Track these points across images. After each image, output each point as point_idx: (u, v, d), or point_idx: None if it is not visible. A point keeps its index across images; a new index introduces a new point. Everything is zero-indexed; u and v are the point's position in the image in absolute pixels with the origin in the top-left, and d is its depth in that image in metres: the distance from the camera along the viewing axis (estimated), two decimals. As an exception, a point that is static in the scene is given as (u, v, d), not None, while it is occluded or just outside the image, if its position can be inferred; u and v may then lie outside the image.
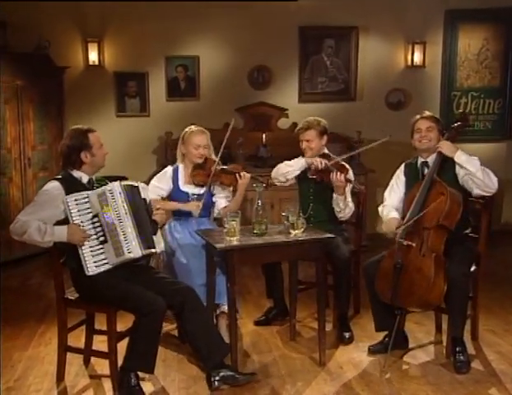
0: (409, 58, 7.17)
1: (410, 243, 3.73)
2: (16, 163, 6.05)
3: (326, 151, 4.43)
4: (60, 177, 3.52)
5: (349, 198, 4.23)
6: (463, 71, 7.35)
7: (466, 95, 7.38)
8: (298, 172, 4.40)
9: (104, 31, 6.80)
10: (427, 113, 4.04)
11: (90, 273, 3.37)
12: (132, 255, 3.40)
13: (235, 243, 3.56)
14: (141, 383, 3.47)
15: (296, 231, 3.74)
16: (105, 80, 6.88)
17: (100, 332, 3.75)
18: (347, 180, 4.10)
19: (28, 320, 4.62)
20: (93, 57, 6.74)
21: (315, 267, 3.78)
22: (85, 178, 3.54)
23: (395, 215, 4.01)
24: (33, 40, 6.36)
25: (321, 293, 3.82)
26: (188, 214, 4.24)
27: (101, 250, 3.41)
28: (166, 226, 4.27)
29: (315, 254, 3.74)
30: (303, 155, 4.42)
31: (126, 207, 3.44)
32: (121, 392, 3.39)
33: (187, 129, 4.31)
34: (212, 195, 4.31)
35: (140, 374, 3.48)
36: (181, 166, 4.35)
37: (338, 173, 4.11)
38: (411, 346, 4.06)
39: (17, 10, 6.35)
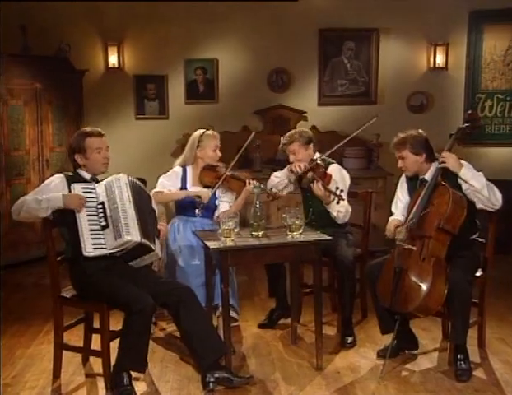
0: (431, 60, 7.02)
1: (410, 246, 3.66)
2: (35, 164, 6.16)
3: (316, 156, 4.36)
4: (66, 172, 3.69)
5: (344, 200, 4.07)
6: (488, 73, 7.15)
7: (491, 97, 7.18)
8: (286, 181, 4.46)
9: (124, 35, 6.88)
10: (395, 139, 3.86)
11: (87, 254, 3.41)
12: (129, 238, 3.44)
13: (230, 244, 3.53)
14: (135, 382, 3.48)
15: (294, 233, 3.69)
16: (125, 83, 6.95)
17: (97, 331, 3.75)
18: (327, 190, 3.97)
19: (36, 318, 4.67)
20: (113, 60, 6.82)
21: (312, 269, 3.73)
22: (87, 177, 3.63)
23: (399, 218, 3.95)
24: (54, 44, 6.48)
25: (318, 296, 3.75)
26: (192, 213, 4.26)
27: (101, 235, 3.47)
28: (169, 226, 4.29)
29: (312, 256, 3.69)
30: None
31: (130, 197, 3.54)
32: (113, 391, 3.40)
33: (199, 133, 4.37)
34: (216, 198, 4.32)
35: (136, 373, 3.50)
36: (189, 167, 4.40)
37: (315, 182, 4.05)
38: (414, 352, 3.96)
39: (38, 14, 6.50)
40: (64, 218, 3.47)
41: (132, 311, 3.31)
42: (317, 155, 4.40)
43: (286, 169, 4.49)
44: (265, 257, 3.73)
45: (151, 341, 4.13)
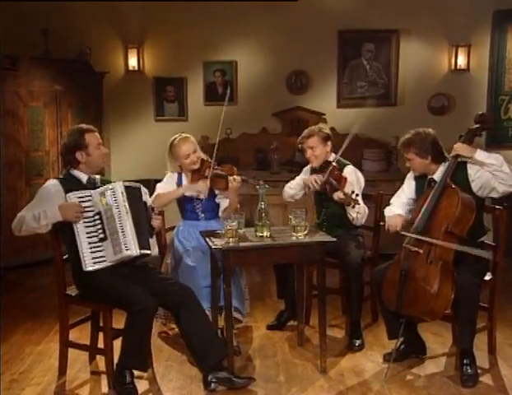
0: (453, 61, 6.91)
1: (417, 249, 3.60)
2: (54, 165, 6.26)
3: (331, 157, 4.34)
4: (60, 176, 3.66)
5: (360, 204, 4.04)
6: (513, 74, 7.03)
7: (515, 99, 7.05)
8: (302, 193, 4.47)
9: (144, 37, 6.96)
10: (402, 139, 3.83)
11: (88, 269, 3.42)
12: (129, 253, 3.43)
13: (232, 244, 3.53)
14: (138, 380, 3.53)
15: (298, 234, 3.67)
16: (145, 85, 7.03)
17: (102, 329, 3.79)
18: (344, 194, 3.93)
19: (49, 316, 4.72)
20: (133, 62, 6.91)
21: (316, 270, 3.71)
22: (84, 178, 3.59)
23: (399, 211, 3.91)
24: (75, 47, 6.59)
25: (322, 297, 3.71)
26: (195, 217, 4.26)
27: (100, 247, 3.46)
28: (174, 231, 4.30)
29: (316, 257, 3.67)
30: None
31: (127, 207, 3.48)
32: (116, 389, 3.43)
33: (170, 141, 4.29)
34: (215, 196, 4.28)
35: (139, 372, 3.53)
36: (183, 173, 4.33)
37: (336, 191, 4.02)
38: (422, 357, 3.91)
39: (60, 18, 6.62)
40: (63, 226, 3.46)
41: (133, 311, 3.34)
42: (332, 156, 4.38)
43: (300, 181, 4.48)
44: (269, 258, 3.71)
45: (158, 340, 4.22)
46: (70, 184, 3.51)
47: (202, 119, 7.00)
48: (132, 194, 3.58)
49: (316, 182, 4.21)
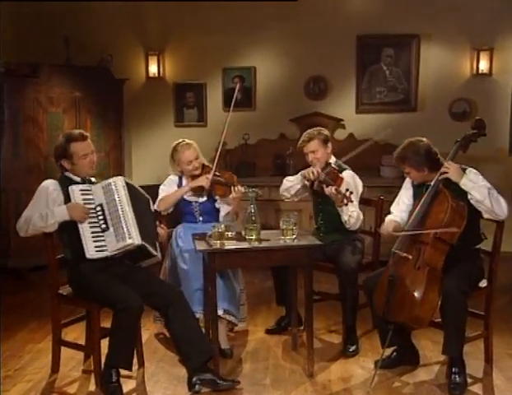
0: (474, 65, 6.77)
1: (406, 255, 3.55)
2: (72, 169, 6.40)
3: (332, 160, 4.31)
4: (57, 177, 3.73)
5: (352, 208, 4.03)
6: (539, 79, 6.84)
7: (541, 105, 6.86)
8: (298, 186, 4.40)
9: (165, 45, 7.07)
10: (395, 154, 3.75)
11: (89, 256, 3.49)
12: (131, 241, 3.51)
13: (217, 246, 3.55)
14: (127, 380, 3.60)
15: (286, 237, 3.67)
16: (165, 91, 7.13)
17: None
18: (338, 192, 3.88)
19: (55, 316, 4.85)
20: (153, 69, 7.03)
21: (305, 274, 3.68)
22: (77, 179, 3.68)
23: (395, 218, 3.86)
24: (96, 55, 6.74)
25: (309, 302, 3.69)
26: (194, 219, 4.30)
27: (102, 237, 3.54)
28: (172, 233, 4.34)
29: (303, 261, 3.65)
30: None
31: (128, 199, 3.60)
32: (102, 387, 3.49)
33: (173, 146, 4.35)
34: (214, 201, 4.31)
35: (128, 371, 3.57)
36: (183, 177, 4.40)
37: (329, 186, 3.96)
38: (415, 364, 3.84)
39: (81, 25, 6.80)
40: (66, 223, 3.52)
41: (118, 309, 3.39)
42: (332, 159, 4.35)
43: (299, 174, 4.45)
44: (255, 261, 3.71)
45: (155, 342, 4.26)
46: (67, 184, 3.61)
47: (221, 125, 6.99)
48: (136, 194, 3.72)
49: (313, 173, 4.13)
